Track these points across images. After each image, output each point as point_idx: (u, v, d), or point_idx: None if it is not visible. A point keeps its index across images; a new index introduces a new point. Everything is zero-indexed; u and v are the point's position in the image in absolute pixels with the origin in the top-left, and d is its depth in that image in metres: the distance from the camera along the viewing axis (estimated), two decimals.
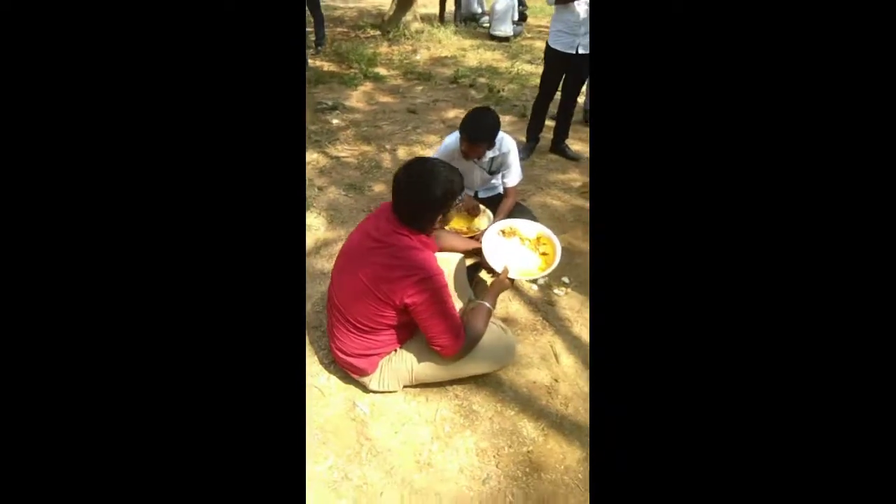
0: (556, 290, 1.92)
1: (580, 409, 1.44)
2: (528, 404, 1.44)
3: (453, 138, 1.94)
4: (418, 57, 4.99)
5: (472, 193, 2.20)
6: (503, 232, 1.67)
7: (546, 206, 2.49)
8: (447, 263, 1.59)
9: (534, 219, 2.02)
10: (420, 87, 4.18)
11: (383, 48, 5.20)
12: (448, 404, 1.43)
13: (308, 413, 1.36)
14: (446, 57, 5.04)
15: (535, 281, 1.92)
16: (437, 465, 1.26)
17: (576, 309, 1.83)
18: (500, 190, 2.17)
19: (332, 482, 1.20)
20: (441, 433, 1.35)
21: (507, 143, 2.00)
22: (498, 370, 1.50)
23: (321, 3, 4.78)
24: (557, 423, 1.39)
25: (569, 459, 1.30)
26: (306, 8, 4.42)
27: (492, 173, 2.07)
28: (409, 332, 1.35)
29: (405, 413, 1.39)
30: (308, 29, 4.66)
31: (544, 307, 1.83)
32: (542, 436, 1.36)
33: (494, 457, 1.30)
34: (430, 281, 1.20)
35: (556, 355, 1.62)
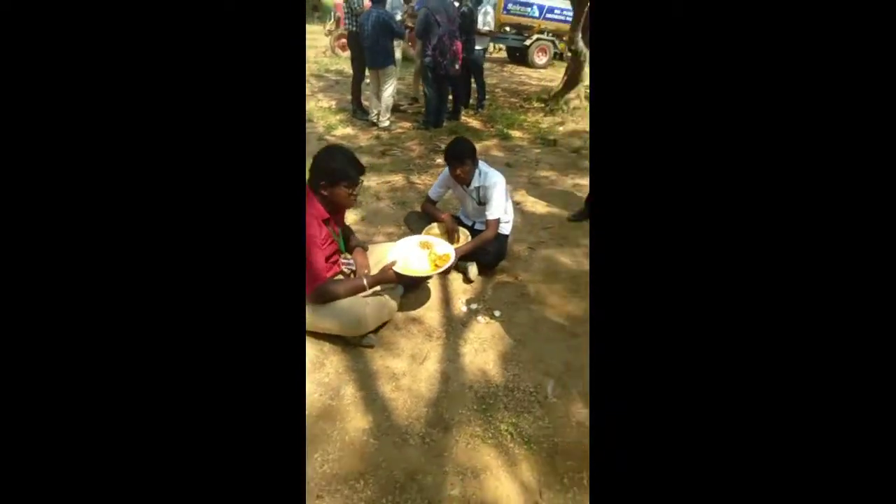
0: (480, 318, 2.01)
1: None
2: (362, 365, 1.65)
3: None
4: (560, 129, 5.36)
5: (469, 223, 2.47)
6: (421, 244, 1.94)
7: (553, 260, 2.52)
8: (382, 250, 1.97)
9: (486, 252, 2.20)
10: (537, 150, 4.53)
11: (535, 118, 5.76)
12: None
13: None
14: (585, 131, 5.26)
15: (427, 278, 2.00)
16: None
17: (482, 339, 1.90)
18: None
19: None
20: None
21: (493, 177, 2.24)
22: (347, 336, 1.76)
23: (483, 72, 5.74)
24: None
25: (357, 422, 1.47)
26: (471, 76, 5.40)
27: (480, 204, 2.32)
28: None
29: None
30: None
31: (457, 325, 1.96)
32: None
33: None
34: None
35: (424, 358, 1.75)
